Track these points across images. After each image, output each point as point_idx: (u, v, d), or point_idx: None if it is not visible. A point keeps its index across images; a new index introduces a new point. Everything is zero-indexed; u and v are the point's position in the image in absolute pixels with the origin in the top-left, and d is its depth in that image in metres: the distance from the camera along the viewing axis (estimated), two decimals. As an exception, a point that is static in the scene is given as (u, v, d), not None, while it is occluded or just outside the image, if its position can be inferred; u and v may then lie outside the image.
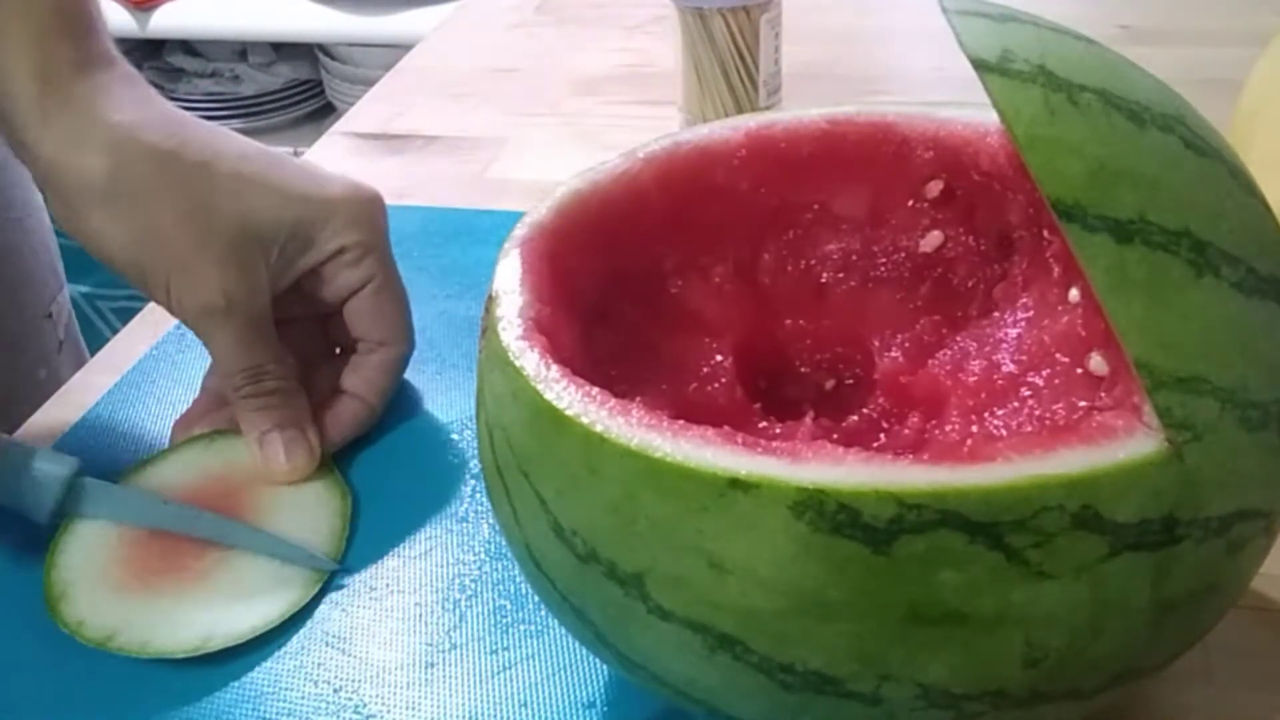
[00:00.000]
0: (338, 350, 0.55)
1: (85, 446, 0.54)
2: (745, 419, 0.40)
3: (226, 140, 0.51)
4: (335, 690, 0.42)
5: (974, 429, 0.36)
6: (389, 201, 0.67)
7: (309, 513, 0.48)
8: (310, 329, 0.54)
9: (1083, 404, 0.34)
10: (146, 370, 0.59)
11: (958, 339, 0.40)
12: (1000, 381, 0.37)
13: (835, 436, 0.39)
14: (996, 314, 0.40)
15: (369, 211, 0.50)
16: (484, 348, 0.36)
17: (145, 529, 0.48)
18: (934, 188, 0.42)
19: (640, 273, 0.42)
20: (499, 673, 0.42)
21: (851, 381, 0.44)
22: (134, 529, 0.48)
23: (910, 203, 0.42)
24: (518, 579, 0.45)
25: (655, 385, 0.40)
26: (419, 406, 0.55)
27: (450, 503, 0.49)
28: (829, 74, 0.85)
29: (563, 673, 0.42)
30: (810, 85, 0.81)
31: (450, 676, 0.42)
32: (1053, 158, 0.30)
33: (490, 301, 0.36)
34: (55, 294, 0.76)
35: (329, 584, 0.46)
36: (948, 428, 0.37)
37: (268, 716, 0.41)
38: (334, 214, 0.50)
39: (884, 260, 0.43)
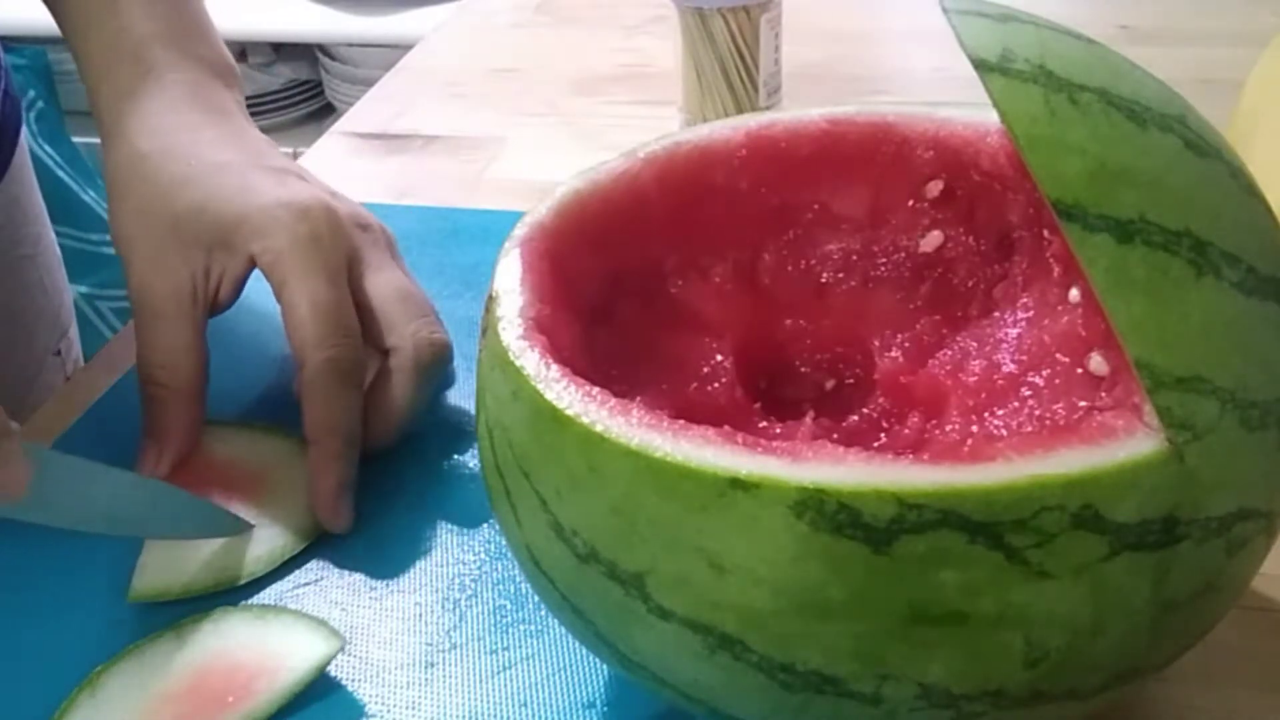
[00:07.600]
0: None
1: (85, 446, 0.54)
2: (745, 419, 0.40)
3: (213, 149, 0.53)
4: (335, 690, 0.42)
5: (974, 429, 0.36)
6: (389, 201, 0.66)
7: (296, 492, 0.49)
8: None
9: (1083, 404, 0.34)
10: (146, 370, 0.58)
11: (958, 339, 0.40)
12: (1000, 381, 0.37)
13: (835, 436, 0.39)
14: (996, 314, 0.40)
15: (281, 220, 0.51)
16: (484, 348, 0.36)
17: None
18: (934, 188, 0.42)
19: (640, 273, 0.42)
20: (499, 673, 0.42)
21: (851, 381, 0.44)
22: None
23: (910, 203, 0.42)
24: (518, 579, 0.45)
25: (655, 385, 0.40)
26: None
27: (450, 503, 0.49)
28: (829, 74, 0.85)
29: (563, 673, 0.42)
30: (810, 85, 0.81)
31: (450, 676, 0.42)
32: (1053, 158, 0.30)
33: (490, 301, 0.36)
34: (65, 331, 0.76)
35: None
36: (948, 428, 0.37)
37: (268, 716, 0.41)
38: (247, 221, 0.51)
39: (884, 260, 0.43)
